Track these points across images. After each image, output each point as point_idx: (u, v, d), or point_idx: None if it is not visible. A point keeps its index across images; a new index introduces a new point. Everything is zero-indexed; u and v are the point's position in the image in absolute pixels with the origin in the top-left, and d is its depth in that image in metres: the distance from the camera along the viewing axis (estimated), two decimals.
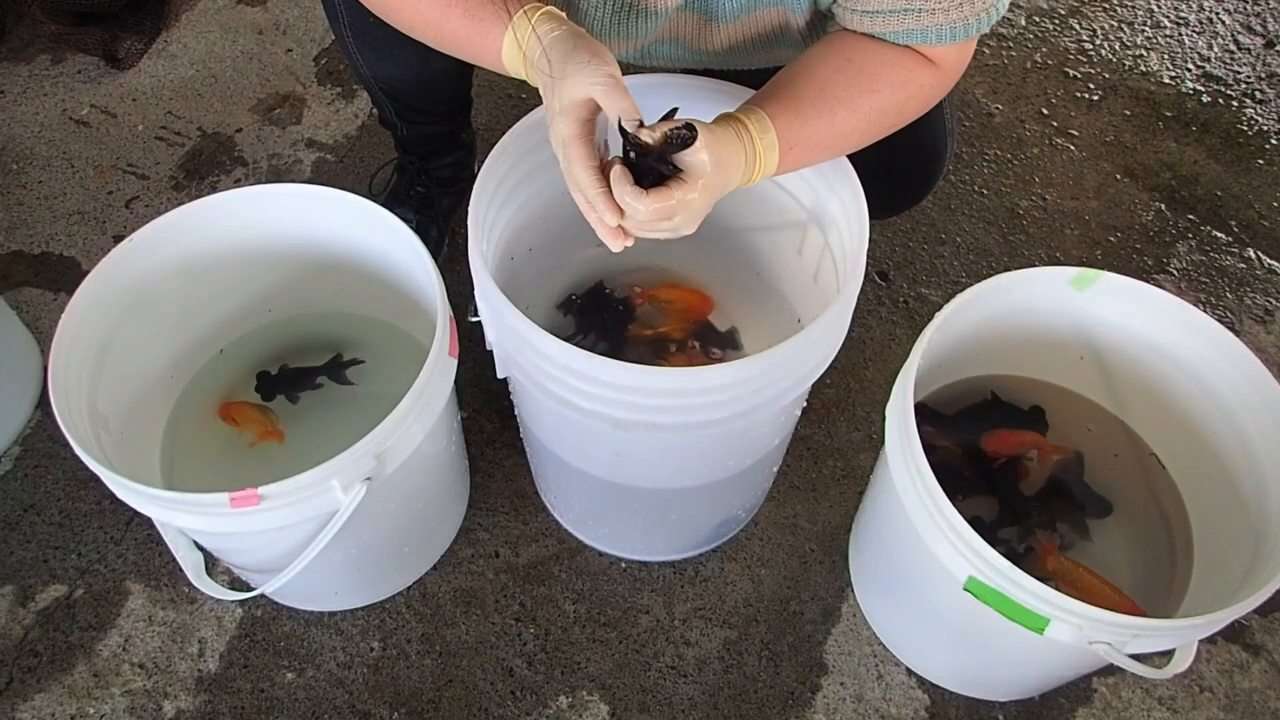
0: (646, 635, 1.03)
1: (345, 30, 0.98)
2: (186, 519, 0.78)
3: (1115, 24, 1.63)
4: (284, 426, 1.06)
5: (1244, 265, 1.35)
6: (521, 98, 1.46)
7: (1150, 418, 0.98)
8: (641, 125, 0.65)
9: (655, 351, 1.10)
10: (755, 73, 0.89)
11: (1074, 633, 0.73)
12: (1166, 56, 1.59)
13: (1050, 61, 1.58)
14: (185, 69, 1.51)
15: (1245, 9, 1.65)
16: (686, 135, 0.65)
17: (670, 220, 0.66)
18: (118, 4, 1.47)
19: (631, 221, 0.66)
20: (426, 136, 1.18)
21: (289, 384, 1.08)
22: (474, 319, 0.82)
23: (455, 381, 0.87)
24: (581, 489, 0.98)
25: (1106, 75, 1.56)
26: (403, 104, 1.09)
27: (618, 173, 0.65)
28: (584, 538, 1.08)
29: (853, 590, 1.06)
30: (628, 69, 0.71)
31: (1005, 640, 0.83)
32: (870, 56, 0.76)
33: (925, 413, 1.02)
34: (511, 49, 0.72)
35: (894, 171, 0.98)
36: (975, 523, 0.96)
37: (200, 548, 0.90)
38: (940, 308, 0.84)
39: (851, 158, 0.82)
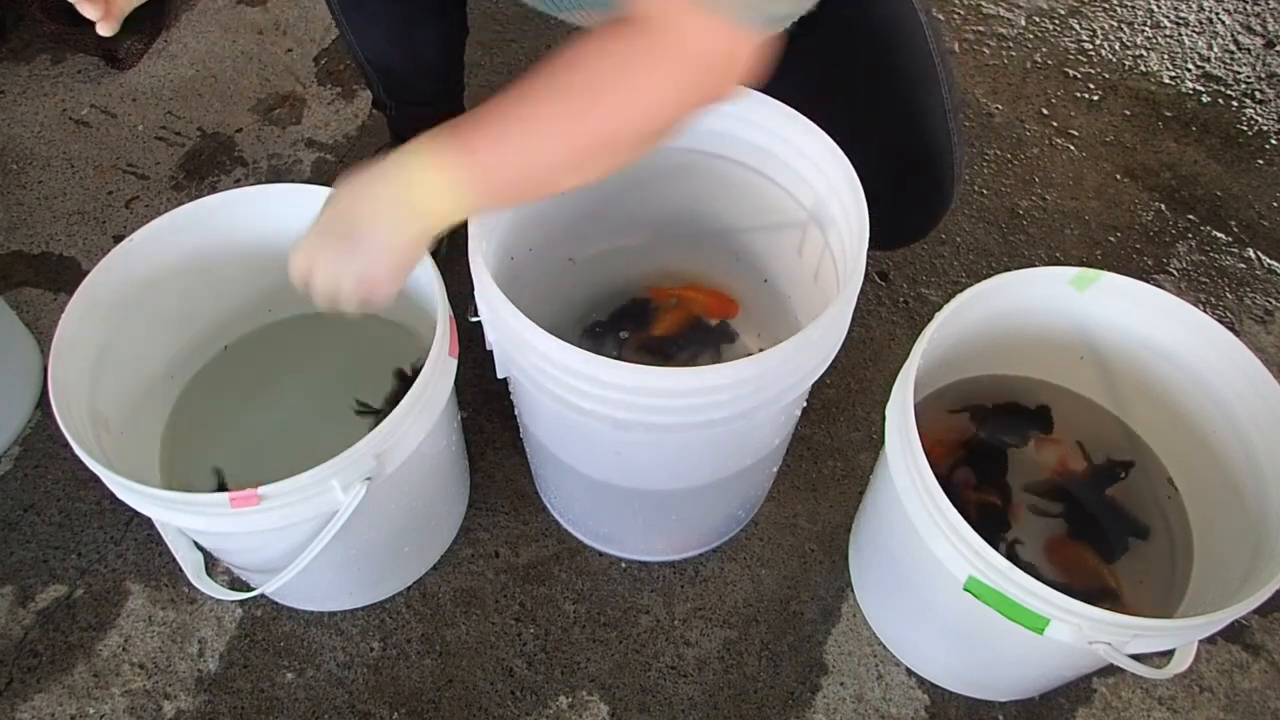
0: (646, 635, 1.03)
1: None
2: (186, 519, 0.78)
3: (1115, 24, 1.63)
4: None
5: (1244, 265, 1.35)
6: None
7: (1150, 418, 0.98)
8: None
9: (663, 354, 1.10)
10: None
11: (1074, 633, 0.73)
12: (1166, 56, 1.59)
13: (1050, 61, 1.58)
14: (185, 69, 1.51)
15: (1245, 9, 1.65)
16: None
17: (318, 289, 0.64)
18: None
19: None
20: (417, 119, 1.18)
21: None
22: (474, 319, 0.82)
23: (455, 381, 0.87)
24: (581, 489, 0.98)
25: (1106, 75, 1.56)
26: (391, 79, 1.09)
27: None
28: (584, 538, 1.08)
29: (853, 590, 1.06)
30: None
31: (1005, 640, 0.83)
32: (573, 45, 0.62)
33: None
34: None
35: (889, 208, 0.97)
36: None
37: (200, 548, 0.90)
38: (940, 308, 0.84)
39: None
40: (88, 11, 0.69)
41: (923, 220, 1.03)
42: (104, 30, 0.70)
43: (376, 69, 1.08)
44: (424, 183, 0.63)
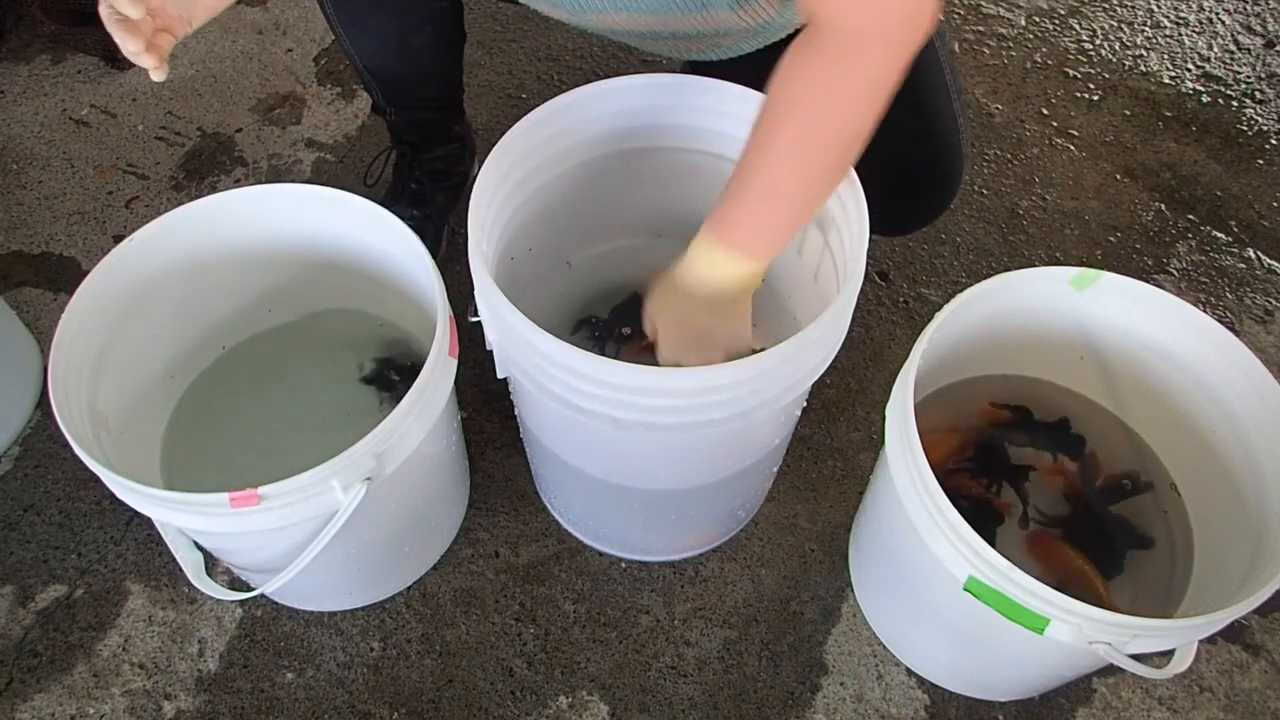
0: (646, 635, 1.03)
1: (327, 2, 0.98)
2: (186, 519, 0.78)
3: (1115, 24, 1.63)
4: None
5: (1244, 265, 1.35)
6: (521, 98, 1.46)
7: (1150, 418, 0.98)
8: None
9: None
10: (746, 69, 0.89)
11: (1074, 633, 0.73)
12: (1166, 56, 1.59)
13: (1050, 61, 1.58)
14: (185, 69, 1.51)
15: (1245, 9, 1.65)
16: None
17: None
18: None
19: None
20: (416, 123, 1.18)
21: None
22: (474, 319, 0.82)
23: (455, 381, 0.87)
24: (581, 489, 0.98)
25: (1106, 75, 1.56)
26: (389, 85, 1.09)
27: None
28: (584, 538, 1.08)
29: (853, 590, 1.06)
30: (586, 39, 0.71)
31: (1005, 640, 0.83)
32: (774, 79, 0.70)
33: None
34: None
35: (903, 192, 0.98)
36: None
37: (200, 548, 0.90)
38: (940, 308, 0.84)
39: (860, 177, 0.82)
40: (144, 62, 0.69)
41: (934, 203, 1.03)
42: (158, 76, 0.70)
43: (375, 77, 1.08)
44: (735, 280, 0.74)
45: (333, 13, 1.00)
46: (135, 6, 0.65)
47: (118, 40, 0.67)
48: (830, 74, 0.66)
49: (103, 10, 0.67)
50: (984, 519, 0.97)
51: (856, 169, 0.80)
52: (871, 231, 0.79)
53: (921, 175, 0.99)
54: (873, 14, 0.63)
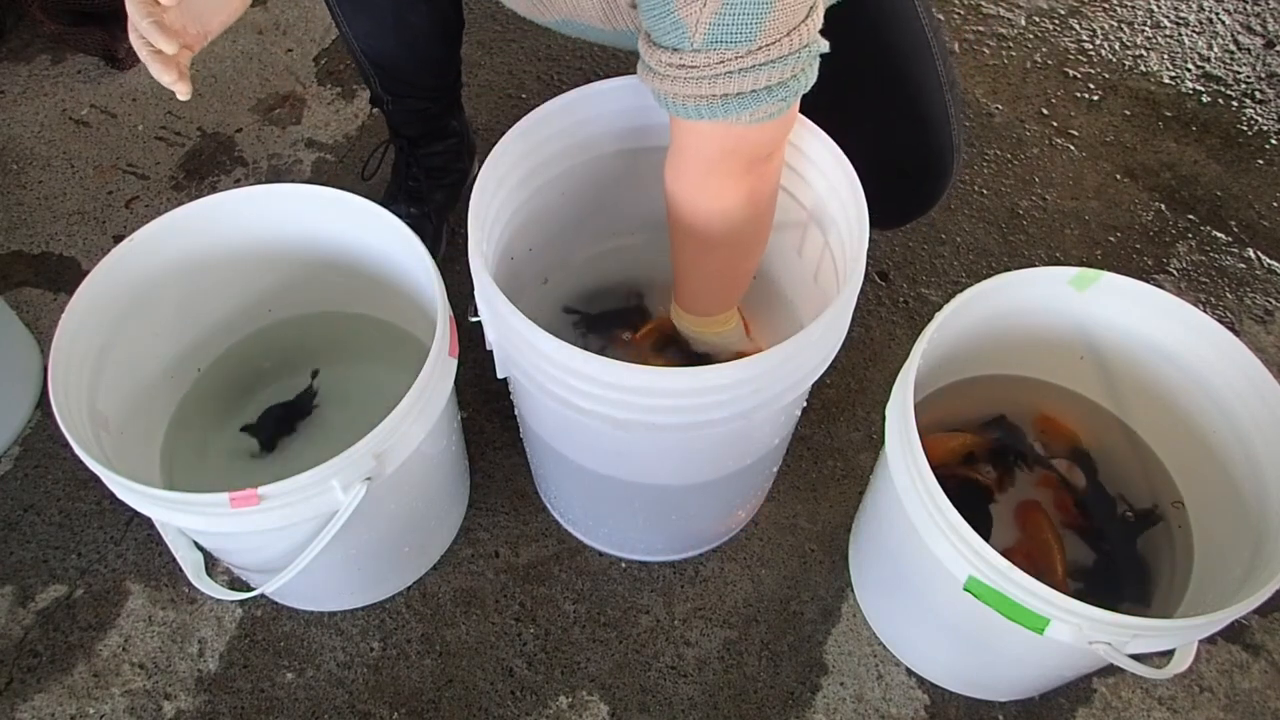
0: (646, 635, 1.03)
1: None
2: (186, 519, 0.78)
3: (1115, 24, 1.63)
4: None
5: (1244, 265, 1.35)
6: (521, 98, 1.46)
7: (1150, 418, 0.98)
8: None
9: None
10: None
11: (1074, 633, 0.73)
12: (1166, 56, 1.59)
13: (1050, 61, 1.58)
14: None
15: (1245, 9, 1.65)
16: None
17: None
18: (117, 4, 1.46)
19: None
20: (414, 115, 1.18)
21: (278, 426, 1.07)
22: (474, 319, 0.82)
23: (455, 381, 0.87)
24: (581, 488, 0.98)
25: (1106, 75, 1.56)
26: (386, 72, 1.09)
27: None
28: (584, 538, 1.08)
29: (853, 590, 1.06)
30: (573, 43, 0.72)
31: (1005, 640, 0.83)
32: (665, 181, 0.80)
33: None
34: None
35: (895, 184, 0.98)
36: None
37: (200, 548, 0.90)
38: (940, 308, 0.84)
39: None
40: (178, 89, 0.70)
41: (927, 195, 1.03)
42: (183, 95, 0.71)
43: (372, 61, 1.08)
44: (712, 327, 0.91)
45: None
46: (171, 42, 0.67)
47: (153, 72, 0.69)
48: (699, 193, 0.76)
49: (134, 40, 0.67)
50: (974, 498, 0.98)
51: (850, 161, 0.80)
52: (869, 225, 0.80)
53: (912, 166, 0.99)
54: (701, 145, 0.71)
